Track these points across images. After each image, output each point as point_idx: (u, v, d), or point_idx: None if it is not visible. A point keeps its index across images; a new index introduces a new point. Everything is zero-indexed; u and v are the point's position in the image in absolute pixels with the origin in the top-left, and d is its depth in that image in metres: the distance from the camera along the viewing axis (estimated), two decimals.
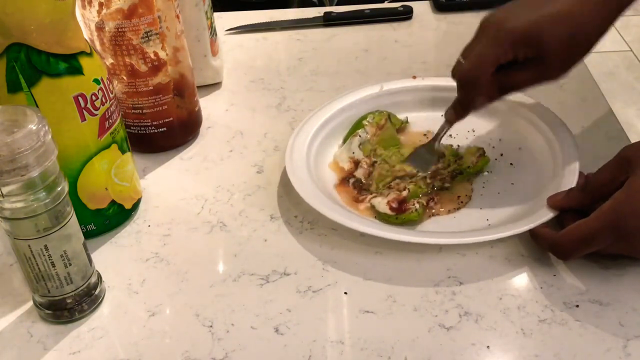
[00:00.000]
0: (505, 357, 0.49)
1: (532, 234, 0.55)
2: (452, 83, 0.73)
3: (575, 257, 0.53)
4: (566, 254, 0.53)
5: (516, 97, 0.70)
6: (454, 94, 0.72)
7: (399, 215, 0.59)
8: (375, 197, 0.61)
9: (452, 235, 0.56)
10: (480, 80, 0.59)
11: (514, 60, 0.58)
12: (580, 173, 0.59)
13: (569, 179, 0.58)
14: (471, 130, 0.70)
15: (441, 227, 0.59)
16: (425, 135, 0.70)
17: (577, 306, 0.51)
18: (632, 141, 0.68)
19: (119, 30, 0.61)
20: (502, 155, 0.67)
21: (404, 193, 0.60)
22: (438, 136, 0.66)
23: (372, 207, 0.61)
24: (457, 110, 0.64)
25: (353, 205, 0.62)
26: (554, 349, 0.49)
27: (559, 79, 0.60)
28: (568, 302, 0.52)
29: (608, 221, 0.50)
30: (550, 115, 0.67)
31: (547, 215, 0.55)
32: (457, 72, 0.62)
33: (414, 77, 0.75)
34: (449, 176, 0.64)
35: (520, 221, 0.56)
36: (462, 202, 0.62)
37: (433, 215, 0.61)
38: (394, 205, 0.59)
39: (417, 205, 0.59)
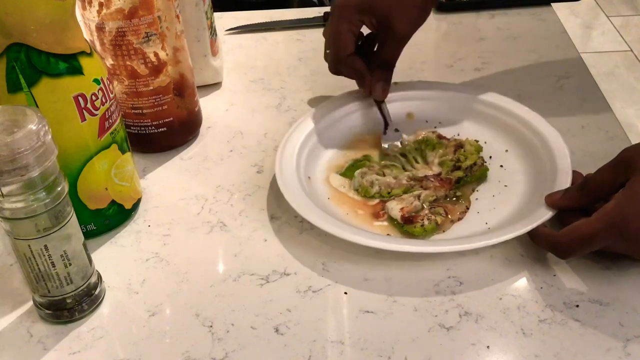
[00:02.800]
0: (505, 357, 0.49)
1: (531, 233, 0.55)
2: (439, 87, 0.73)
3: (575, 256, 0.53)
4: (566, 253, 0.53)
5: (496, 99, 0.70)
6: (447, 98, 0.72)
7: (406, 226, 0.59)
8: (392, 200, 0.61)
9: (450, 243, 0.56)
10: (348, 49, 0.67)
11: (367, 35, 0.69)
12: (579, 173, 0.59)
13: (563, 178, 0.58)
14: (456, 134, 0.69)
15: (442, 234, 0.59)
16: (433, 132, 0.69)
17: (577, 306, 0.52)
18: (632, 141, 0.68)
19: (119, 31, 0.61)
20: (490, 157, 0.66)
21: (415, 203, 0.60)
22: (385, 117, 0.70)
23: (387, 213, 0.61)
24: (362, 87, 0.71)
25: (369, 221, 0.61)
26: (554, 349, 0.49)
27: (411, 34, 0.67)
28: (568, 302, 0.52)
29: (610, 222, 0.50)
30: (531, 115, 0.67)
31: (546, 215, 0.55)
32: (328, 58, 0.70)
33: (396, 83, 0.74)
34: (453, 183, 0.63)
35: (520, 222, 0.56)
36: (467, 207, 0.61)
37: (444, 231, 0.59)
38: (406, 215, 0.59)
39: (426, 222, 0.58)
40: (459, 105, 0.71)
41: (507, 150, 0.67)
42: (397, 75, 0.80)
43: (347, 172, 0.66)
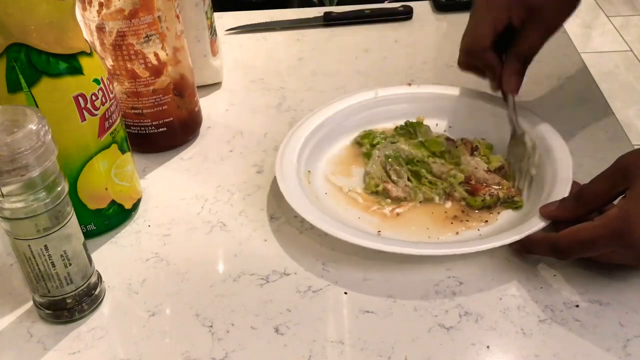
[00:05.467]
0: (505, 357, 0.49)
1: (527, 240, 0.54)
2: (448, 91, 0.72)
3: (574, 257, 0.53)
4: (566, 254, 0.52)
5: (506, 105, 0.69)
6: (450, 102, 0.71)
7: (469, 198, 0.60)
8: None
9: (439, 247, 0.56)
10: (484, 42, 0.64)
11: (511, 27, 0.63)
12: (574, 182, 0.58)
13: (562, 189, 0.57)
14: (464, 138, 0.69)
15: (435, 239, 0.59)
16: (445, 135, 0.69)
17: (577, 306, 0.51)
18: (632, 141, 0.68)
19: (120, 32, 0.61)
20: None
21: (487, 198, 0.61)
22: (513, 116, 0.65)
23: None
24: (493, 81, 0.67)
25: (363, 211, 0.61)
26: (554, 349, 0.49)
27: (560, 25, 0.65)
28: (568, 302, 0.52)
29: (614, 229, 0.49)
30: (542, 123, 0.65)
31: (538, 224, 0.54)
32: (460, 51, 0.66)
33: (410, 84, 0.74)
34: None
35: (510, 231, 0.55)
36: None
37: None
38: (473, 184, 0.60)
39: (487, 197, 0.59)
40: (474, 110, 0.70)
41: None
42: (397, 76, 0.80)
43: (363, 139, 0.69)
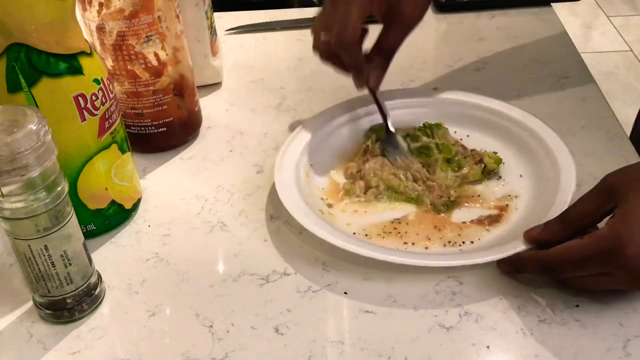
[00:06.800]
0: (505, 357, 0.49)
1: (516, 259, 0.53)
2: (469, 98, 0.71)
3: (566, 276, 0.51)
4: (557, 272, 0.51)
5: (523, 117, 0.68)
6: (471, 110, 0.70)
7: None
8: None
9: (428, 258, 0.55)
10: (356, 35, 0.63)
11: (374, 20, 0.65)
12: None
13: (564, 197, 0.57)
14: (474, 150, 0.68)
15: (431, 249, 0.58)
16: (455, 142, 0.68)
17: (577, 306, 0.51)
18: (633, 141, 0.68)
19: (120, 33, 0.61)
20: (500, 178, 0.65)
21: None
22: (385, 115, 0.68)
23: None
24: (357, 77, 0.67)
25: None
26: (554, 349, 0.49)
27: (419, 19, 0.66)
28: (568, 302, 0.52)
29: (604, 247, 0.47)
30: (557, 142, 0.63)
31: (519, 247, 0.53)
32: (325, 43, 0.65)
33: (435, 89, 0.73)
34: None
35: (492, 249, 0.54)
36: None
37: None
38: None
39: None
40: (486, 120, 0.69)
41: (521, 176, 0.64)
42: (398, 75, 0.80)
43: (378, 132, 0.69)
